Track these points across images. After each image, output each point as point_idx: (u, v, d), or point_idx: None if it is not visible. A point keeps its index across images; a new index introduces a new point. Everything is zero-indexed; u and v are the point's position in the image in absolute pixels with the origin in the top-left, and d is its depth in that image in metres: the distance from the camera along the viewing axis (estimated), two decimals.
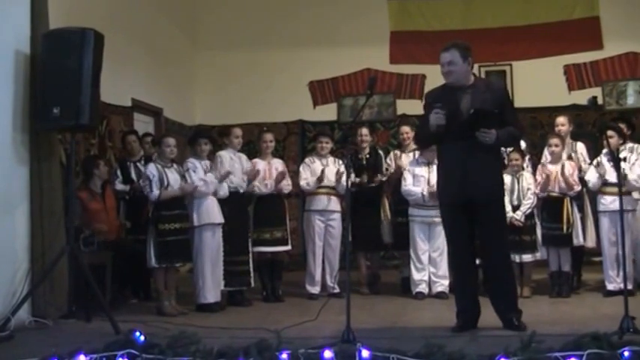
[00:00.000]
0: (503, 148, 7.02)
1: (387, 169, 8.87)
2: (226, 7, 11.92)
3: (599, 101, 11.35)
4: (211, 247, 7.68)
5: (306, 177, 8.61)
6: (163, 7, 10.89)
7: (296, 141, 12.05)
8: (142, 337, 4.91)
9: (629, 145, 8.39)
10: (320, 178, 8.50)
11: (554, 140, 8.20)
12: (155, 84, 10.66)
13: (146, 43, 10.29)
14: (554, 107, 10.58)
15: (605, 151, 7.82)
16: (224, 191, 7.85)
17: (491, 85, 6.48)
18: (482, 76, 11.28)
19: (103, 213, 7.85)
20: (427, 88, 11.12)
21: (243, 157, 8.30)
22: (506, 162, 8.00)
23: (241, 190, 8.11)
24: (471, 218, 6.08)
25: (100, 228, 7.68)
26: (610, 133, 7.72)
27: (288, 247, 8.59)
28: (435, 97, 6.14)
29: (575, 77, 11.69)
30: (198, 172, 7.71)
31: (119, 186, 8.45)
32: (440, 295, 8.15)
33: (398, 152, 8.99)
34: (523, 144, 8.47)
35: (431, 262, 8.31)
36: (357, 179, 8.60)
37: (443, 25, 11.35)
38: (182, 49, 11.80)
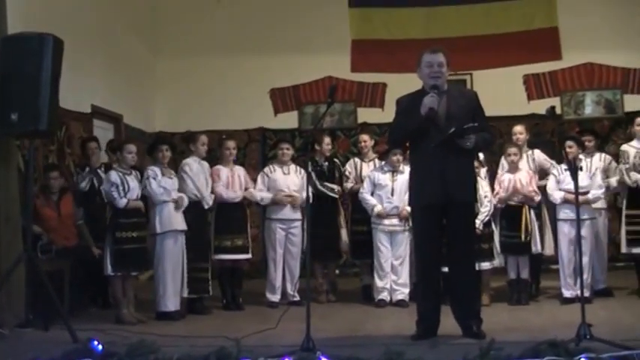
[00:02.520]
0: None
1: (347, 177, 8.89)
2: (188, 14, 11.85)
3: (558, 111, 11.50)
4: (173, 255, 7.64)
5: (262, 189, 8.62)
6: (125, 14, 10.81)
7: (257, 148, 12.01)
8: (100, 346, 4.87)
9: (597, 154, 8.57)
10: (278, 200, 8.53)
11: (513, 150, 8.31)
12: (115, 90, 10.58)
13: (107, 49, 10.21)
14: (513, 116, 10.65)
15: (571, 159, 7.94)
16: (185, 201, 7.83)
17: (464, 92, 6.61)
18: None
19: (55, 221, 7.80)
20: (388, 97, 11.40)
21: (206, 164, 8.28)
22: None
23: (206, 207, 8.10)
24: (442, 224, 6.10)
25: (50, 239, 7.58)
26: (569, 143, 7.85)
27: (249, 256, 8.56)
28: (409, 102, 6.17)
29: (535, 87, 11.82)
30: (159, 179, 7.67)
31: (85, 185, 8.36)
32: (400, 304, 8.17)
33: (358, 160, 9.01)
34: (481, 155, 8.55)
35: (392, 270, 8.32)
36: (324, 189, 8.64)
37: (405, 34, 11.34)
38: (143, 55, 11.73)
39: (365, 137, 9.05)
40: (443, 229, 6.13)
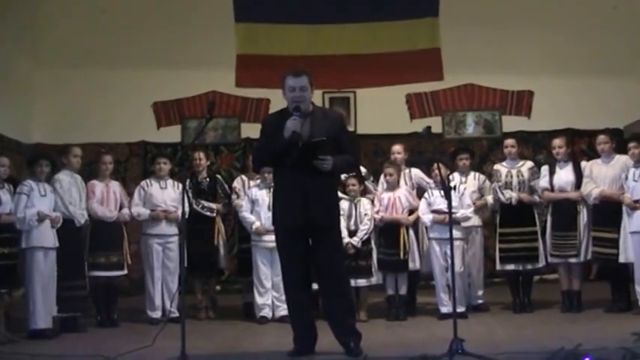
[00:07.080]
0: None
1: (237, 195, 8.80)
2: (69, 23, 11.54)
3: (440, 130, 11.78)
4: (42, 271, 7.44)
5: (138, 203, 8.51)
6: (2, 19, 10.44)
7: (138, 162, 11.79)
8: None
9: (472, 173, 8.82)
10: (155, 216, 8.44)
11: (389, 170, 8.42)
12: None
13: None
14: (395, 135, 10.79)
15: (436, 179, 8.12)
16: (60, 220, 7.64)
17: (329, 114, 6.61)
18: (326, 102, 11.50)
19: None
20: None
21: (79, 178, 8.11)
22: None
23: (77, 224, 7.89)
24: (307, 243, 6.10)
25: None
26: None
27: (125, 272, 8.43)
28: (274, 123, 6.15)
29: (417, 106, 12.05)
30: (33, 194, 7.46)
31: None
32: (283, 319, 8.12)
33: (245, 178, 8.95)
34: (363, 170, 8.67)
35: (274, 287, 8.30)
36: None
37: (288, 50, 11.36)
38: (21, 63, 11.32)
39: None
40: (308, 247, 6.11)
